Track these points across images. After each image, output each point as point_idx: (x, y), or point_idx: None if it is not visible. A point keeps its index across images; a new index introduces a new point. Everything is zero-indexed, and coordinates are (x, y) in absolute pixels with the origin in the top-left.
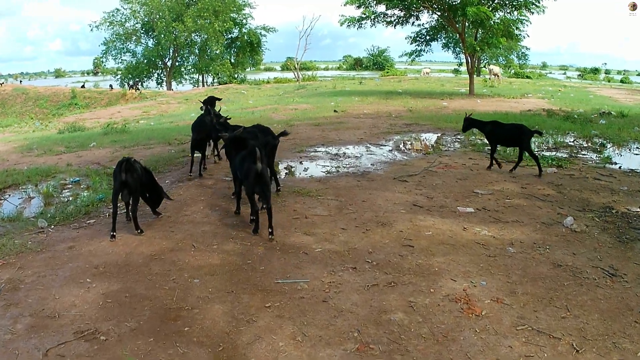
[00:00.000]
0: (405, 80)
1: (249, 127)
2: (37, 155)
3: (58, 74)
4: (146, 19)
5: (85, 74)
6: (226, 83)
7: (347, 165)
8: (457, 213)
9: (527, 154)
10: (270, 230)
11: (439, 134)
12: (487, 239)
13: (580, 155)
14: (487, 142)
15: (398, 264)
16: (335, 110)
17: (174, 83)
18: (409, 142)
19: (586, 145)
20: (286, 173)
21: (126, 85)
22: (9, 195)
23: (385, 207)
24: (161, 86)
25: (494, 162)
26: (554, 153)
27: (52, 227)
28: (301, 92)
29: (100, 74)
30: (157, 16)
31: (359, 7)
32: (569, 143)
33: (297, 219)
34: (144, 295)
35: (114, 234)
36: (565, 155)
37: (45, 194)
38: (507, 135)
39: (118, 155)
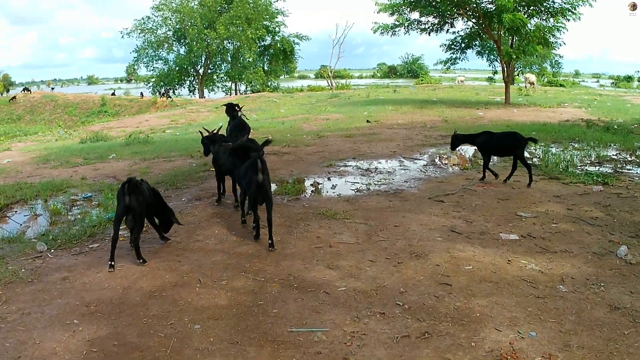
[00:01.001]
0: (440, 88)
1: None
2: (53, 167)
3: (91, 80)
4: (178, 26)
5: (119, 81)
6: (259, 91)
7: (379, 182)
8: (499, 241)
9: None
10: (270, 242)
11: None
12: (535, 274)
13: (626, 171)
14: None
15: (433, 308)
16: (368, 121)
17: (206, 91)
18: (445, 156)
19: (630, 158)
20: (312, 191)
21: (157, 93)
22: (15, 211)
23: (420, 233)
24: (193, 94)
25: (485, 172)
26: (597, 168)
27: (52, 250)
28: (334, 100)
29: (133, 81)
30: (189, 23)
31: (392, 14)
32: (612, 157)
33: (320, 248)
34: (135, 345)
35: (112, 263)
36: (609, 171)
37: (53, 211)
38: (501, 144)
39: (136, 169)
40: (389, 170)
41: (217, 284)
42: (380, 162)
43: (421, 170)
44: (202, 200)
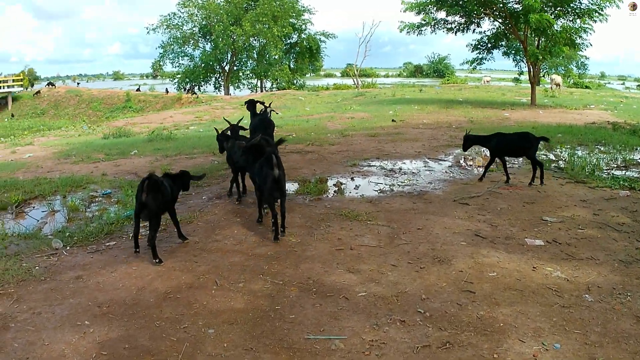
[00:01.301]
0: (466, 88)
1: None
2: (74, 162)
3: (117, 76)
4: (204, 23)
5: (144, 77)
6: (284, 88)
7: (403, 183)
8: (524, 247)
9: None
10: (281, 229)
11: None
12: (561, 282)
13: None
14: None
15: (456, 317)
16: (393, 120)
17: (231, 88)
18: (470, 157)
19: None
20: (335, 191)
21: (182, 90)
22: (33, 207)
23: (444, 237)
24: (219, 90)
25: (486, 173)
26: (624, 172)
27: (68, 248)
28: (359, 99)
29: (159, 77)
30: (215, 20)
31: (418, 13)
32: (639, 161)
33: (341, 251)
34: (146, 348)
35: (138, 250)
36: (636, 175)
37: (71, 207)
38: (514, 145)
39: (157, 166)
40: (414, 171)
41: (234, 287)
42: (404, 163)
43: (446, 172)
44: (222, 199)
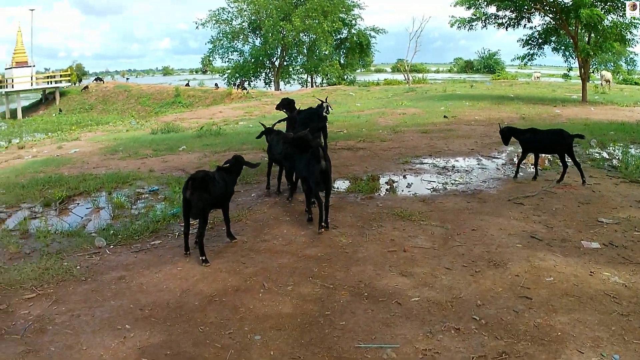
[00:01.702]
0: (516, 84)
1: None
2: (121, 158)
3: (166, 71)
4: (253, 18)
5: (194, 72)
6: (335, 84)
7: (456, 182)
8: (581, 249)
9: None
10: (324, 224)
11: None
12: (619, 288)
13: None
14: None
15: (512, 324)
16: (445, 116)
17: (282, 83)
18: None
19: None
20: (387, 190)
21: (232, 85)
22: (77, 204)
23: (499, 239)
24: (269, 86)
25: (519, 170)
26: None
27: (111, 246)
28: (410, 95)
29: (208, 72)
30: (264, 15)
31: (469, 7)
32: None
33: (394, 253)
34: (189, 355)
35: (188, 252)
36: None
37: (116, 204)
38: (547, 142)
39: (205, 162)
40: (467, 169)
41: (282, 290)
42: (457, 160)
43: (499, 170)
44: (271, 197)
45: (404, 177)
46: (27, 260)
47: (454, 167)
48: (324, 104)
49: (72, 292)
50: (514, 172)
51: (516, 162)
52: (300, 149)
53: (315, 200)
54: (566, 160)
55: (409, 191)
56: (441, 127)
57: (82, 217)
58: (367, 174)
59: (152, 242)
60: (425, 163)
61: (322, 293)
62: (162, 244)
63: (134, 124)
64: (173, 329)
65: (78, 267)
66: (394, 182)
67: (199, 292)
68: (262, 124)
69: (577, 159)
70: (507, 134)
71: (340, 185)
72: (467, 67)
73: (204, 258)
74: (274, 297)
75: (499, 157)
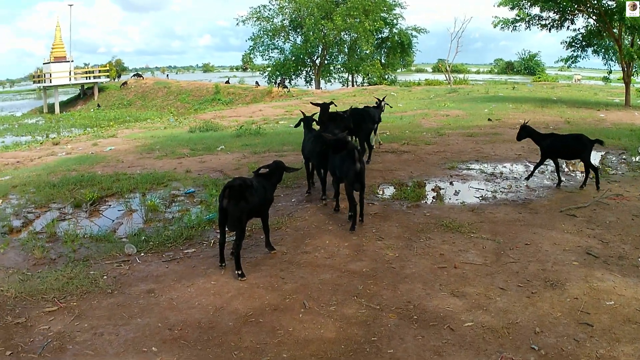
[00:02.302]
0: (558, 86)
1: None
2: (157, 157)
3: (206, 68)
4: (294, 15)
5: (234, 70)
6: (376, 84)
7: (505, 190)
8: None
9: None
10: (360, 218)
11: (602, 153)
12: None
13: None
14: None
15: (573, 356)
16: (489, 119)
17: (322, 82)
18: (572, 162)
19: None
20: (433, 197)
21: (273, 83)
22: (109, 205)
23: (554, 255)
24: (310, 84)
25: (534, 173)
26: None
27: (142, 254)
28: (452, 96)
29: (249, 70)
30: (305, 13)
31: (512, 8)
32: None
33: (444, 269)
34: None
35: (224, 264)
36: None
37: (150, 207)
38: (567, 147)
39: (244, 163)
40: (515, 175)
41: (325, 310)
42: (505, 166)
43: (548, 177)
44: (313, 202)
45: (451, 183)
46: (52, 267)
47: (502, 173)
48: (383, 103)
49: (97, 306)
50: (565, 179)
51: (565, 169)
52: (335, 150)
53: (347, 198)
54: (591, 163)
55: (456, 199)
56: (486, 130)
57: (113, 220)
58: (413, 180)
59: (186, 251)
60: (472, 169)
61: (368, 315)
62: (196, 252)
63: (172, 121)
64: (204, 354)
65: (105, 277)
66: (440, 189)
67: (233, 311)
68: (302, 112)
69: (627, 166)
70: (523, 133)
71: (386, 191)
72: (508, 68)
73: (240, 272)
74: (315, 319)
75: (546, 162)
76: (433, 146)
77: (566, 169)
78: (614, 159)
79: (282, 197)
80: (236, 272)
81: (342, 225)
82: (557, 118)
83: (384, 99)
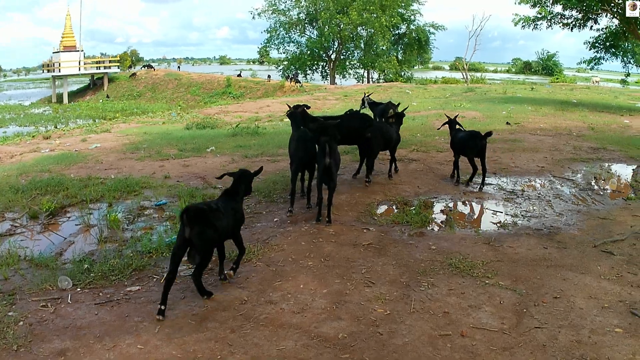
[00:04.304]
0: (577, 88)
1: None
2: (139, 158)
3: (223, 61)
4: (310, 9)
5: (251, 62)
6: (391, 81)
7: (527, 214)
8: None
9: None
10: (327, 219)
11: (634, 167)
12: None
13: None
14: None
15: None
16: (507, 123)
17: (338, 77)
18: (603, 179)
19: None
20: (442, 222)
21: (286, 77)
22: (68, 217)
23: (590, 316)
24: (325, 79)
25: None
26: None
27: (78, 289)
28: (469, 95)
29: (265, 63)
30: (321, 6)
31: (533, 6)
32: None
33: (448, 339)
34: None
35: (163, 308)
36: None
37: (111, 222)
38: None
39: (230, 168)
40: (539, 194)
41: None
42: (526, 181)
43: (576, 196)
44: (298, 225)
45: (464, 203)
46: None
47: (524, 191)
48: (366, 97)
49: None
50: (594, 201)
51: (594, 185)
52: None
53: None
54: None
55: (469, 226)
56: (504, 135)
57: (65, 238)
58: (419, 198)
59: (129, 289)
60: (489, 184)
61: None
62: (139, 292)
63: (174, 116)
64: None
65: (22, 322)
66: (449, 211)
67: None
68: (288, 105)
69: None
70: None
71: (384, 209)
72: (526, 68)
73: (205, 297)
74: None
75: (573, 177)
76: (445, 154)
77: (595, 185)
78: None
79: (263, 214)
80: (202, 297)
81: (324, 261)
82: (580, 123)
83: (369, 95)
